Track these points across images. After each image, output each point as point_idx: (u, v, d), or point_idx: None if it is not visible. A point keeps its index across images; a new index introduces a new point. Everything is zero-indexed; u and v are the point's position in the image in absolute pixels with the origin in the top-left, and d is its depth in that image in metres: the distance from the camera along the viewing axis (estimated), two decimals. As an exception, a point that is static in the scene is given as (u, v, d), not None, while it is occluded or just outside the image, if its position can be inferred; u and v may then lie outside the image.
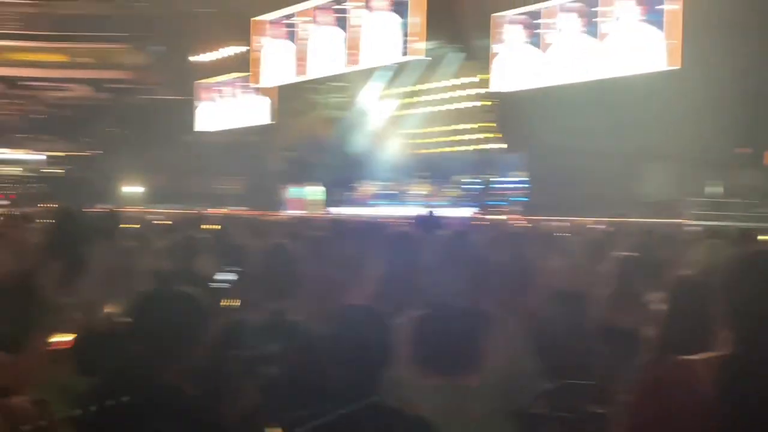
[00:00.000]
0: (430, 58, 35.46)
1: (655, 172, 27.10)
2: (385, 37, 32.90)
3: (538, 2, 29.01)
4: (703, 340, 3.46)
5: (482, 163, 32.33)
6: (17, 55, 61.90)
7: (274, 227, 12.14)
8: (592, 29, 27.30)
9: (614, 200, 26.20)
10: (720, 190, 25.75)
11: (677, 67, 24.82)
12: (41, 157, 55.26)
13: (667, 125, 24.85)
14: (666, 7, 25.32)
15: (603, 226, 17.82)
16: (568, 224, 19.86)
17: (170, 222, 15.00)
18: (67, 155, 54.71)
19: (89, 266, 6.40)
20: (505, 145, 31.98)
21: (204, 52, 46.44)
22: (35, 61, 61.50)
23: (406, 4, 31.84)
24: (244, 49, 41.92)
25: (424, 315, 3.45)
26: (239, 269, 6.04)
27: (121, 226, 7.12)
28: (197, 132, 48.87)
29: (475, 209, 32.45)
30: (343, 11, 35.02)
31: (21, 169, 55.35)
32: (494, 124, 31.77)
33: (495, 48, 31.07)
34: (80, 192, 37.56)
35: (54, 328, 3.78)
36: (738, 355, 2.54)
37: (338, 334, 3.06)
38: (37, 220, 11.24)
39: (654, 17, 25.68)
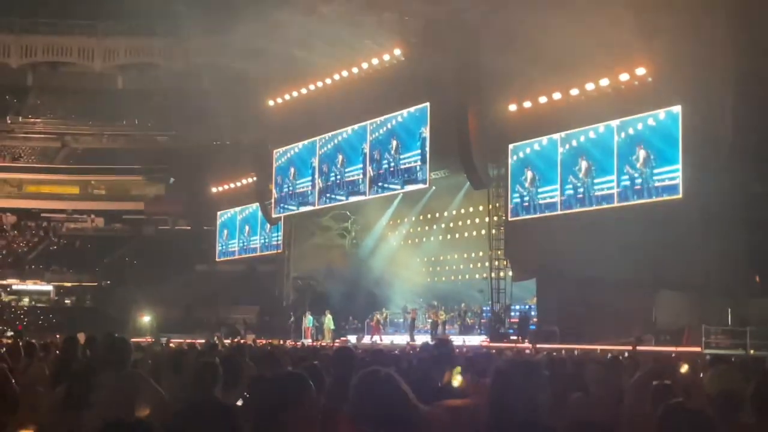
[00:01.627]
0: (434, 188, 35.98)
1: (669, 299, 26.95)
2: (395, 168, 33.51)
3: (544, 135, 29.61)
4: None
5: (491, 291, 32.27)
6: (34, 187, 63.06)
7: (284, 355, 12.00)
8: (602, 159, 27.78)
9: (626, 328, 25.94)
10: (735, 317, 25.50)
11: (683, 196, 25.15)
12: (49, 287, 55.32)
13: (682, 253, 24.87)
14: (668, 137, 25.84)
15: (614, 354, 17.58)
16: (579, 352, 19.57)
17: (184, 350, 14.85)
18: (78, 285, 54.83)
19: (95, 394, 6.33)
20: (512, 273, 31.98)
21: (218, 183, 47.19)
22: (51, 194, 62.60)
23: (415, 135, 32.53)
24: (258, 179, 42.60)
25: None
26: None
27: (130, 354, 7.02)
28: (211, 262, 49.22)
29: (485, 337, 32.19)
30: (355, 143, 35.83)
31: (28, 299, 55.30)
32: (502, 252, 31.88)
33: (503, 177, 31.56)
34: (91, 322, 37.48)
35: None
36: None
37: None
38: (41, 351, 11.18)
39: (656, 148, 26.17)
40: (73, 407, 6.16)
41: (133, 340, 25.03)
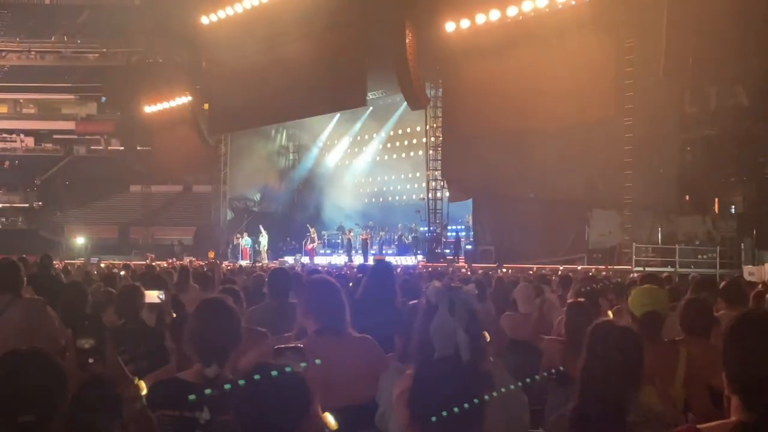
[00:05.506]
0: (371, 108, 35.76)
1: (602, 219, 27.42)
2: (332, 88, 33.02)
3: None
4: (624, 386, 3.43)
5: (428, 211, 32.48)
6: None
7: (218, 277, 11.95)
8: (539, 78, 27.71)
9: (560, 247, 26.41)
10: (666, 236, 26.11)
11: (623, 116, 25.37)
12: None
13: (614, 173, 25.27)
14: (606, 57, 25.93)
15: (548, 273, 17.90)
16: (512, 271, 19.90)
17: (115, 272, 14.71)
18: (8, 206, 53.66)
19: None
20: (449, 193, 32.18)
21: (152, 102, 46.20)
22: (-22, 112, 60.78)
23: (353, 56, 31.99)
24: (193, 99, 41.80)
25: (420, 372, 3.33)
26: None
27: (21, 278, 6.52)
28: (145, 182, 48.50)
29: (421, 257, 32.50)
30: (292, 60, 35.07)
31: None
32: (439, 172, 31.99)
33: (441, 97, 31.50)
34: (23, 243, 36.82)
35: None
36: (751, 421, 2.51)
37: (252, 392, 2.82)
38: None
39: (594, 68, 26.23)
40: None
41: (66, 261, 24.65)
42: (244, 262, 33.58)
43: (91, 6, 61.30)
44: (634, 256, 24.25)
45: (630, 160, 25.07)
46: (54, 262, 15.23)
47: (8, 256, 9.13)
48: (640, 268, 22.42)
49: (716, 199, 27.30)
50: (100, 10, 58.79)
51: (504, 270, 20.84)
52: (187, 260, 33.00)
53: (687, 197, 27.29)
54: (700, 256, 25.17)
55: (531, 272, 19.42)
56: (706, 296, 6.77)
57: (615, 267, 22.93)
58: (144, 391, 3.35)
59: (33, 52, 61.83)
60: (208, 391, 3.12)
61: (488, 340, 3.63)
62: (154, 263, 25.00)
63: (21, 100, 61.16)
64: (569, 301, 6.70)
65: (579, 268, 22.02)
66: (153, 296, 6.21)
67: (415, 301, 3.87)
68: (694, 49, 24.39)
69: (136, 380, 3.33)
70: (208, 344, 3.69)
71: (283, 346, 3.31)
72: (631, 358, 3.41)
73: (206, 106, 40.66)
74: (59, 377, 2.90)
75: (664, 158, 25.27)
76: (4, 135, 60.53)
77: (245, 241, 38.47)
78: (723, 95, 25.89)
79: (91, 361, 3.17)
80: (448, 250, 31.96)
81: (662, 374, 4.90)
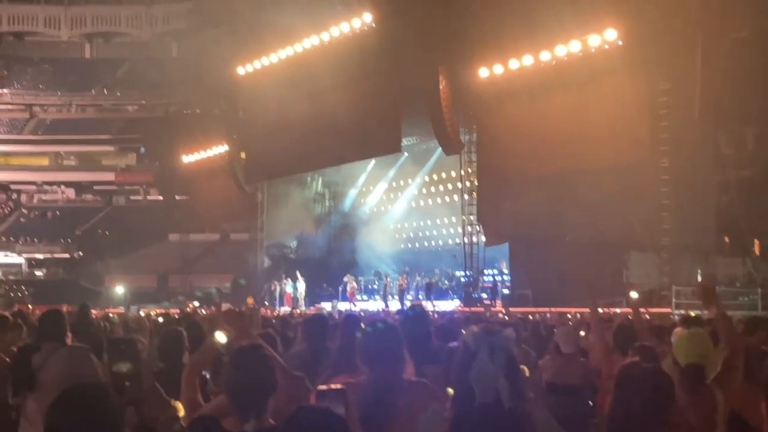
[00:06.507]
0: (406, 154, 35.83)
1: (640, 261, 27.20)
2: (367, 135, 33.13)
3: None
4: (646, 426, 3.40)
5: (464, 256, 32.45)
6: (3, 159, 62.29)
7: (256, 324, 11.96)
8: (573, 122, 27.66)
9: (598, 290, 26.13)
10: (705, 278, 25.79)
11: (658, 158, 25.25)
12: (21, 259, 54.49)
13: (651, 214, 25.10)
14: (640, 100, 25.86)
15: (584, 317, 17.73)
16: (551, 315, 19.74)
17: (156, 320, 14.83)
18: (50, 257, 54.33)
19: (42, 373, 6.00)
20: (484, 238, 32.06)
21: (190, 152, 46.72)
22: (20, 165, 61.90)
23: (387, 103, 32.06)
24: (230, 148, 42.19)
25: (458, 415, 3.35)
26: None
27: (65, 327, 6.68)
28: (183, 231, 48.97)
29: (458, 302, 32.36)
30: (327, 109, 35.24)
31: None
32: (474, 217, 31.94)
33: (475, 142, 31.57)
34: (64, 294, 37.19)
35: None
36: None
37: None
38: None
39: (629, 110, 26.14)
40: (17, 393, 5.80)
41: (106, 310, 24.81)
42: (285, 308, 33.52)
43: (130, 59, 62.69)
44: (673, 299, 24.00)
45: (667, 202, 24.90)
46: (92, 311, 15.43)
47: (55, 306, 9.35)
48: (681, 311, 22.13)
49: (756, 241, 26.97)
50: (139, 63, 60.14)
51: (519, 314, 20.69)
52: (225, 307, 33.03)
53: (726, 238, 27.00)
54: (741, 298, 24.83)
55: (569, 316, 19.25)
56: (762, 335, 6.68)
57: (654, 310, 22.65)
58: (181, 413, 3.37)
59: (74, 106, 63.12)
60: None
61: (527, 374, 3.63)
62: (193, 310, 25.07)
63: (62, 153, 62.29)
64: (624, 363, 6.52)
65: (618, 311, 21.75)
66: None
67: (455, 344, 3.89)
68: (729, 90, 24.24)
69: (173, 402, 3.35)
70: (243, 395, 3.63)
71: (325, 387, 3.32)
72: (654, 399, 3.38)
73: (243, 154, 41.04)
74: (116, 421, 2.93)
75: (701, 199, 25.07)
76: (46, 187, 61.61)
77: (288, 286, 38.38)
78: (760, 135, 25.71)
79: (127, 384, 3.18)
80: (485, 295, 31.79)
81: (703, 423, 4.85)
